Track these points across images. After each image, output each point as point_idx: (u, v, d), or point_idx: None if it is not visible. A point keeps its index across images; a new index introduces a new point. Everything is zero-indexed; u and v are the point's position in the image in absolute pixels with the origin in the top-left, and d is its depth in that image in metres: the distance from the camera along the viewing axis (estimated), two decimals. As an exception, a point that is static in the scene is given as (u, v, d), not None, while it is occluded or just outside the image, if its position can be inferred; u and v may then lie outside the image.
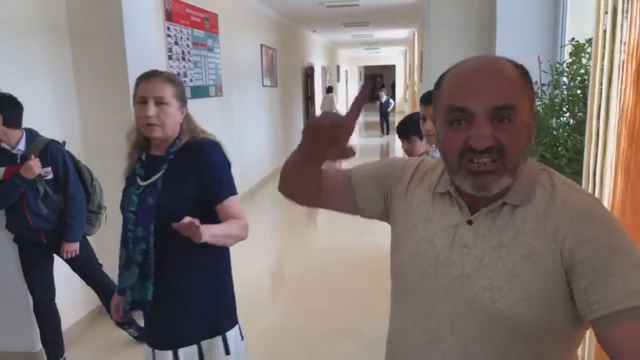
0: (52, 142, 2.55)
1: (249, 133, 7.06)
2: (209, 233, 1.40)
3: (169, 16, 4.45)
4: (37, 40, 2.91)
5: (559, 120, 2.58)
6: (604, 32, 1.87)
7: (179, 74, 4.53)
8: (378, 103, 15.34)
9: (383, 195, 1.05)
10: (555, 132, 2.52)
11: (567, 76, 2.63)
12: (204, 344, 1.64)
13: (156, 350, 1.64)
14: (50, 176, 2.52)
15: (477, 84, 0.83)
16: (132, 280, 1.58)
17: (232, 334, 1.67)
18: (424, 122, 2.15)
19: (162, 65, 4.19)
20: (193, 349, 1.63)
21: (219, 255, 1.68)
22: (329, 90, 14.33)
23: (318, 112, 15.18)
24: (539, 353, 0.84)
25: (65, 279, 2.83)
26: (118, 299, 1.76)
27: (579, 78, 2.55)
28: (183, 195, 1.56)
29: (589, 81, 2.42)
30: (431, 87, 1.01)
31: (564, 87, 2.63)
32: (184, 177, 1.57)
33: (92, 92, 3.22)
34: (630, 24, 1.68)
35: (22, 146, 2.46)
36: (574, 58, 2.59)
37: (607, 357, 0.76)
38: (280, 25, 9.24)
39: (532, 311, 0.81)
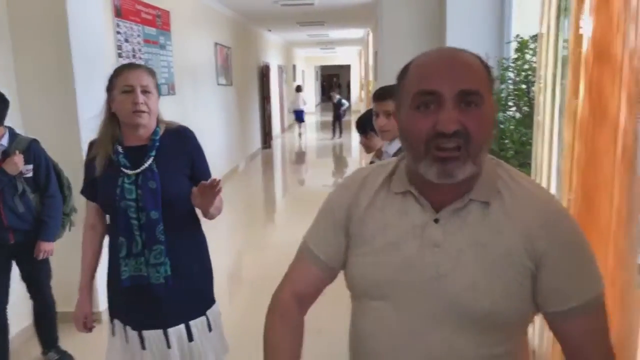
0: (34, 141, 2.55)
1: (204, 132, 6.93)
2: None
3: (119, 12, 4.33)
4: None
5: (505, 114, 2.67)
6: (548, 29, 1.96)
7: (129, 71, 4.41)
8: (331, 104, 14.74)
9: (344, 232, 0.98)
10: (502, 126, 2.61)
11: (512, 71, 2.73)
12: (192, 322, 1.73)
13: (145, 331, 1.69)
14: (30, 174, 2.51)
15: (445, 69, 0.84)
16: (160, 259, 1.64)
17: (214, 310, 1.82)
18: (376, 118, 2.17)
19: (111, 62, 4.07)
20: (181, 327, 1.72)
21: (204, 237, 1.86)
22: (298, 89, 14.57)
23: (288, 109, 15.22)
24: (513, 339, 0.91)
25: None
26: (88, 308, 1.80)
27: (523, 73, 2.65)
28: (180, 176, 1.70)
29: (532, 76, 2.53)
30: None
31: (510, 82, 2.73)
32: (176, 160, 1.69)
33: (35, 89, 3.08)
34: (573, 22, 1.76)
35: (4, 142, 2.44)
36: (518, 54, 2.69)
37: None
38: (235, 23, 9.14)
39: (512, 306, 0.85)
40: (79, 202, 2.29)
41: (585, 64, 1.36)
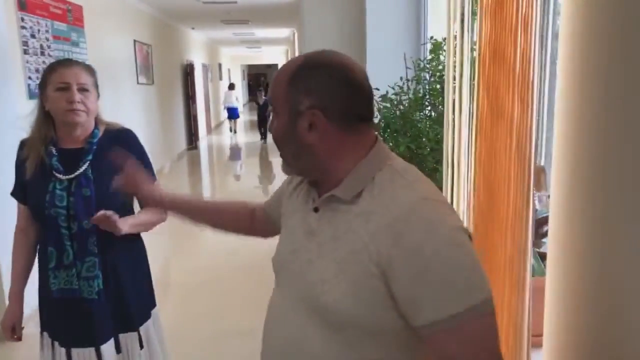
0: None
1: (125, 134, 6.64)
2: (128, 224, 1.49)
3: (23, 6, 4.03)
4: None
5: (421, 113, 2.79)
6: (455, 33, 2.07)
7: (37, 70, 4.12)
8: (256, 105, 13.51)
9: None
10: (419, 125, 2.72)
11: (427, 72, 2.85)
12: (122, 336, 1.65)
13: (74, 349, 1.58)
14: None
15: None
16: (93, 272, 1.53)
17: (148, 325, 1.73)
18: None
19: (16, 60, 3.79)
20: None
21: (143, 246, 1.78)
22: (231, 87, 14.56)
23: (222, 107, 15.03)
24: (393, 350, 0.86)
25: None
26: (18, 317, 1.66)
27: (437, 73, 2.78)
28: None
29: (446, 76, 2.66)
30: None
31: (425, 82, 2.85)
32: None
33: None
34: (479, 25, 1.87)
35: None
36: (433, 55, 2.82)
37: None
38: (155, 20, 8.82)
39: (356, 307, 0.83)
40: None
41: (483, 65, 1.46)
